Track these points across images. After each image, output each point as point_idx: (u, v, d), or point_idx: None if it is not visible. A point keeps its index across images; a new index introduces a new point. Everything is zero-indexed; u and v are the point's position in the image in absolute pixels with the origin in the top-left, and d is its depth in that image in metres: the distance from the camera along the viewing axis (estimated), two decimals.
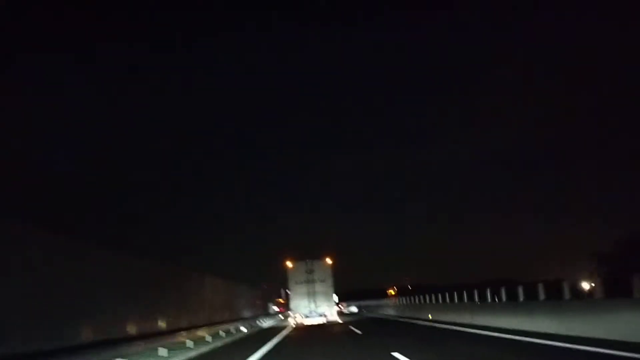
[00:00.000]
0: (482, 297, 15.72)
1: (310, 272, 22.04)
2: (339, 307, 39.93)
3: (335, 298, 71.21)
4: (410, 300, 28.54)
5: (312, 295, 21.70)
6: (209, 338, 13.98)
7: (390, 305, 34.07)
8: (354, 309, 48.69)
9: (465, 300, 17.60)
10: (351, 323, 21.51)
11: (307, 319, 21.42)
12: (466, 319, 15.59)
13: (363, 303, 51.00)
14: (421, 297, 25.21)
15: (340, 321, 23.30)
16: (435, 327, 15.48)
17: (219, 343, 13.81)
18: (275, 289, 58.85)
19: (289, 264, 22.92)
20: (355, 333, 15.29)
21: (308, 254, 23.13)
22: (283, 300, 63.10)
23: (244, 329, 19.96)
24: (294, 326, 21.53)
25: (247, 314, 26.96)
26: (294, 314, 21.79)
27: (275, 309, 44.30)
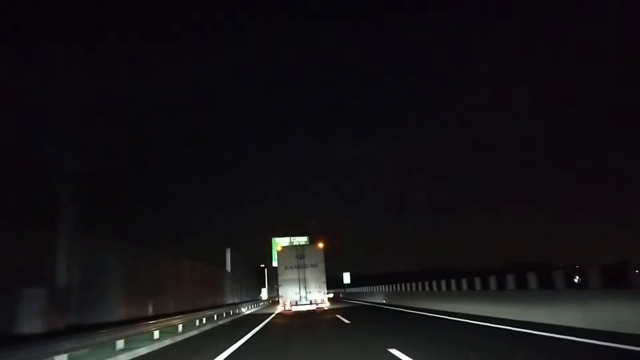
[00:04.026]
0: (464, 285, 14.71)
1: (301, 257, 21.14)
2: None
3: (347, 279, 62.51)
4: (399, 287, 27.84)
5: (302, 281, 20.78)
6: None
7: (379, 293, 33.45)
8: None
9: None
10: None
11: (296, 306, 20.49)
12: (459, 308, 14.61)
13: (354, 290, 50.61)
14: (412, 285, 24.49)
15: (330, 308, 22.48)
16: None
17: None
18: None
19: (279, 248, 22.45)
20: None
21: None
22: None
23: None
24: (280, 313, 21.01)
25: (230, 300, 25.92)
26: (283, 300, 20.83)
27: None
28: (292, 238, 54.32)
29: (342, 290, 59.00)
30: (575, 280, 14.43)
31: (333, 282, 71.18)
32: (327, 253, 21.71)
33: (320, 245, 21.73)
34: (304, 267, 20.89)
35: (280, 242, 51.52)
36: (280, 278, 21.19)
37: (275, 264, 46.06)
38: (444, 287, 18.91)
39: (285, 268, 21.04)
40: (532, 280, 11.55)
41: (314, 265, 20.95)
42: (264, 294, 52.14)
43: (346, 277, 62.32)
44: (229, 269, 27.42)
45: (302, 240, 52.49)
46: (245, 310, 26.76)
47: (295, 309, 20.45)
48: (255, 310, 29.01)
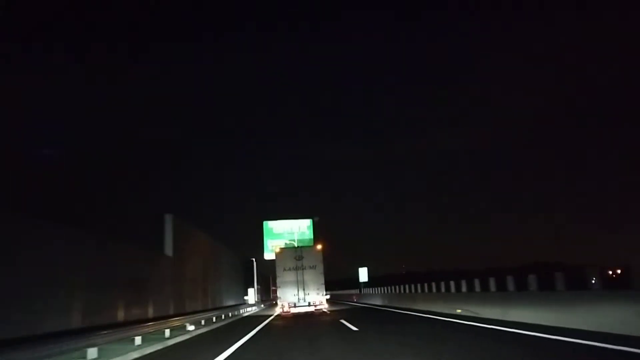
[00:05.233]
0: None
1: (299, 258, 21.02)
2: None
3: (364, 276, 47.13)
4: (395, 290, 27.13)
5: (301, 282, 20.49)
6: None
7: (377, 295, 32.87)
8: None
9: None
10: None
11: (295, 308, 20.19)
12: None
13: (372, 291, 47.80)
14: (409, 286, 23.68)
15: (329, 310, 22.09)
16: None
17: None
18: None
19: (277, 249, 22.39)
20: None
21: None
22: None
23: None
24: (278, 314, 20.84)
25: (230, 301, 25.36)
26: (281, 302, 20.50)
27: None
28: (290, 221, 43.80)
29: (356, 291, 48.06)
30: (593, 281, 13.50)
31: (344, 283, 67.35)
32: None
33: (319, 247, 21.77)
34: (302, 269, 20.75)
35: (273, 227, 43.37)
36: (278, 280, 21.09)
37: (266, 256, 41.45)
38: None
39: (284, 270, 20.89)
40: (533, 282, 10.72)
41: (313, 267, 20.85)
42: (251, 295, 39.47)
43: (362, 274, 49.38)
44: (170, 252, 17.47)
45: (304, 223, 43.46)
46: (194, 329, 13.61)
47: (293, 310, 20.29)
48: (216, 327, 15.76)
